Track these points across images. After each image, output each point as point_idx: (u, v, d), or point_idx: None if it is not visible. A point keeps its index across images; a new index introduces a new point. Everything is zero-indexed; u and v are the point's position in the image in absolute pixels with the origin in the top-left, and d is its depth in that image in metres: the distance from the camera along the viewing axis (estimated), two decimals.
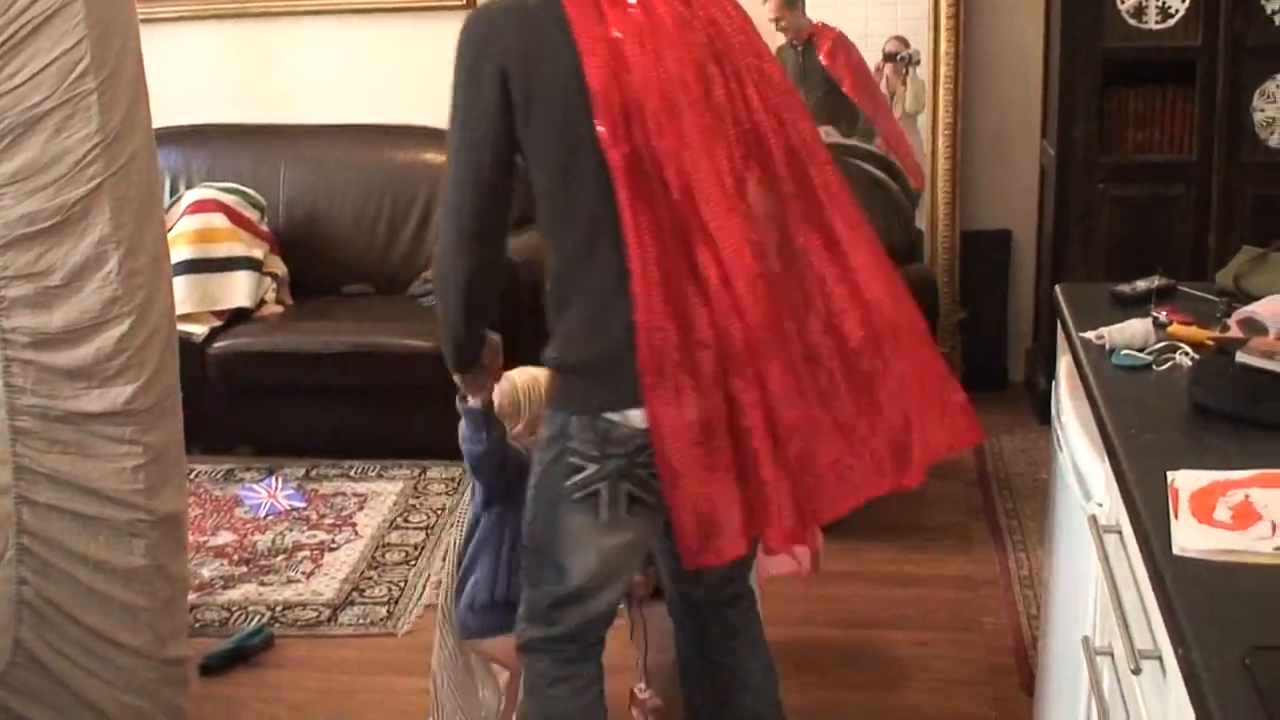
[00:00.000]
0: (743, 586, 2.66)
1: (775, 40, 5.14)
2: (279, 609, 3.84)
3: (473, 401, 2.64)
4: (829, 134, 4.95)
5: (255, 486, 4.61)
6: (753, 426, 2.16)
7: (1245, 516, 1.62)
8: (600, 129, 2.09)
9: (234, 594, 3.94)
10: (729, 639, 2.64)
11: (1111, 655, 1.89)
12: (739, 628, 2.65)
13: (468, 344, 2.42)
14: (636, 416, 2.21)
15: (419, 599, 3.84)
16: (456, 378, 2.55)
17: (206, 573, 4.07)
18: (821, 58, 5.28)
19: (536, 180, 2.21)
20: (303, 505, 4.53)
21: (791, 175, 2.24)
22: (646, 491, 2.25)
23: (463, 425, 2.70)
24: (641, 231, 2.11)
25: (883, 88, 5.36)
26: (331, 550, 4.20)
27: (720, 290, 2.13)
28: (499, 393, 2.79)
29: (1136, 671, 1.62)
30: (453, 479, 4.68)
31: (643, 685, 3.03)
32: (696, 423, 2.15)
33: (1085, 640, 2.02)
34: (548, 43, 2.12)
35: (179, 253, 4.86)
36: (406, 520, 4.41)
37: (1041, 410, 4.84)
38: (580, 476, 2.28)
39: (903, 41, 5.31)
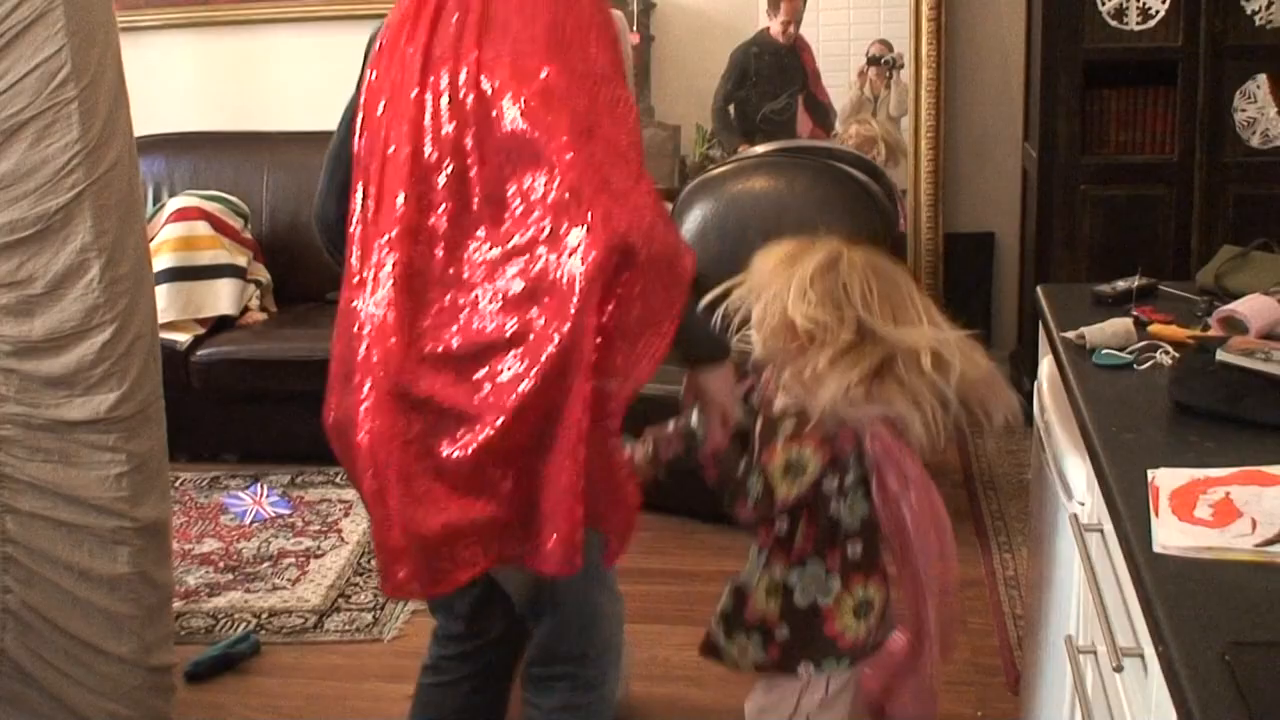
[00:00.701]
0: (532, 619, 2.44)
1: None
2: (265, 616, 3.83)
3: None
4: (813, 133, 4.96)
5: (240, 494, 4.61)
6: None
7: (1225, 514, 1.63)
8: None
9: (220, 601, 3.94)
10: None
11: (1094, 653, 1.90)
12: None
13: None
14: None
15: (405, 605, 3.83)
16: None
17: (192, 580, 4.06)
18: (805, 59, 5.32)
19: None
20: (288, 512, 4.53)
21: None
22: None
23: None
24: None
25: (866, 91, 5.37)
26: (317, 557, 4.20)
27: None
28: None
29: (1119, 669, 1.63)
30: None
31: None
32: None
33: (1068, 639, 2.03)
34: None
35: (162, 260, 4.86)
36: None
37: (1025, 412, 4.85)
38: None
39: (886, 45, 5.33)
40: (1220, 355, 2.04)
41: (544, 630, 2.40)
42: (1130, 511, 1.66)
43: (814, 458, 2.32)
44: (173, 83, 5.54)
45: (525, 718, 2.46)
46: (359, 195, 2.19)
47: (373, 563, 4.12)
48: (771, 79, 5.37)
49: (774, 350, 2.36)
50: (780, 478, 2.30)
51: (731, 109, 5.45)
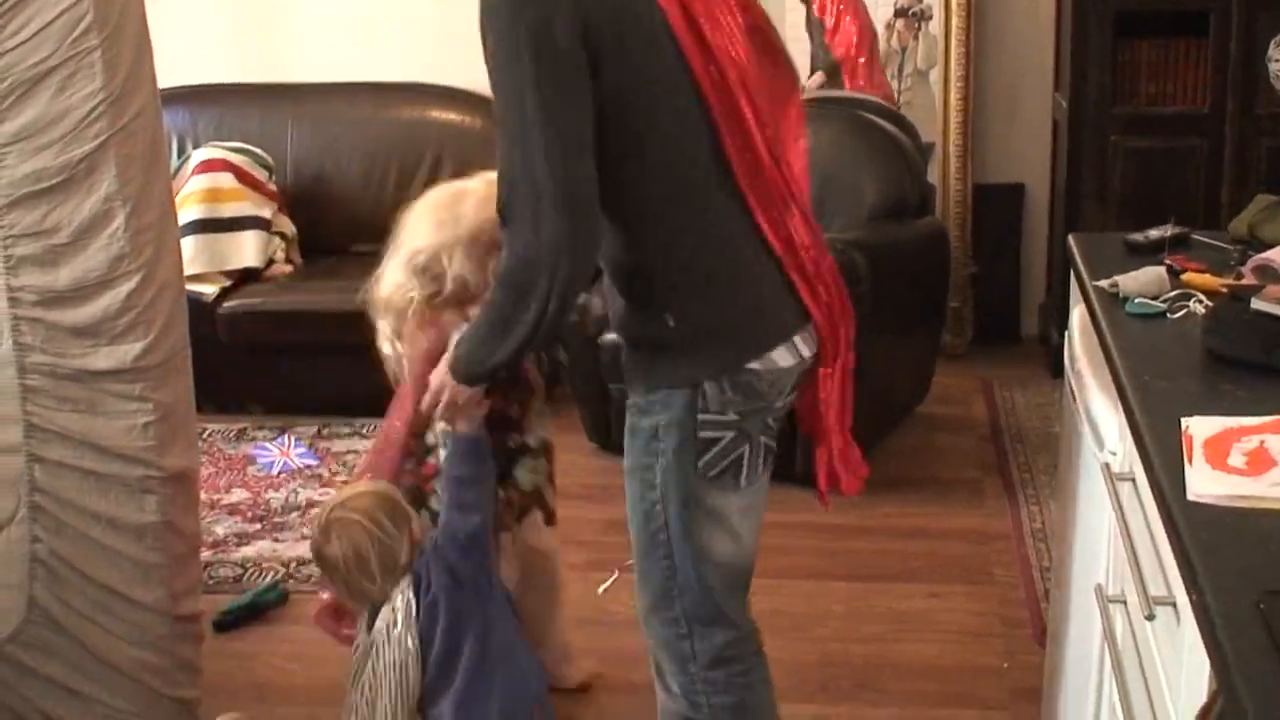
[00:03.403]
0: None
1: None
2: (293, 565, 3.85)
3: (462, 426, 2.38)
4: (822, 83, 4.94)
5: (268, 445, 4.62)
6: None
7: (1260, 462, 1.61)
8: (696, 68, 2.05)
9: (248, 550, 3.96)
10: (758, 647, 2.46)
11: (1125, 603, 1.88)
12: (757, 638, 2.46)
13: (527, 350, 2.21)
14: (780, 354, 2.19)
15: None
16: (453, 391, 2.30)
17: (220, 530, 4.08)
18: (814, 10, 5.29)
19: (619, 137, 2.05)
20: (315, 463, 4.54)
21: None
22: (775, 439, 2.26)
23: (444, 477, 2.48)
24: (746, 167, 2.11)
25: (894, 43, 5.32)
26: None
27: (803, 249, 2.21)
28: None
29: (1150, 618, 1.61)
30: None
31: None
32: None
33: (1098, 588, 2.02)
34: None
35: (187, 213, 4.86)
36: None
37: (1054, 365, 4.83)
38: (718, 448, 2.18)
39: None
40: (1254, 304, 2.02)
41: None
42: (1163, 460, 1.65)
43: None
44: (197, 34, 5.52)
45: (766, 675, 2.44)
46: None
47: None
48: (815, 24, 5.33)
49: None
50: None
51: None
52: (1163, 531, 1.57)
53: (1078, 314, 2.48)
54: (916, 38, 5.33)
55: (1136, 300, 2.21)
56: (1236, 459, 1.62)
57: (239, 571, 3.84)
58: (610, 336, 3.88)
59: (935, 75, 5.30)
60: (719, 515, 2.23)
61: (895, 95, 5.26)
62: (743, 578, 2.35)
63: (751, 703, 2.36)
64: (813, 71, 5.33)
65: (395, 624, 2.46)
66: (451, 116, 5.30)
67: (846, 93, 5.15)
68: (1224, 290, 2.20)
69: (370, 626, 2.51)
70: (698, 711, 2.34)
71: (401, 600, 2.47)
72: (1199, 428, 1.70)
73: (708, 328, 2.17)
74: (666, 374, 2.18)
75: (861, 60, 5.31)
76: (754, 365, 2.16)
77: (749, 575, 2.37)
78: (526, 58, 1.96)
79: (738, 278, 2.16)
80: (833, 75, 5.33)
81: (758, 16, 2.22)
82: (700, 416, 2.16)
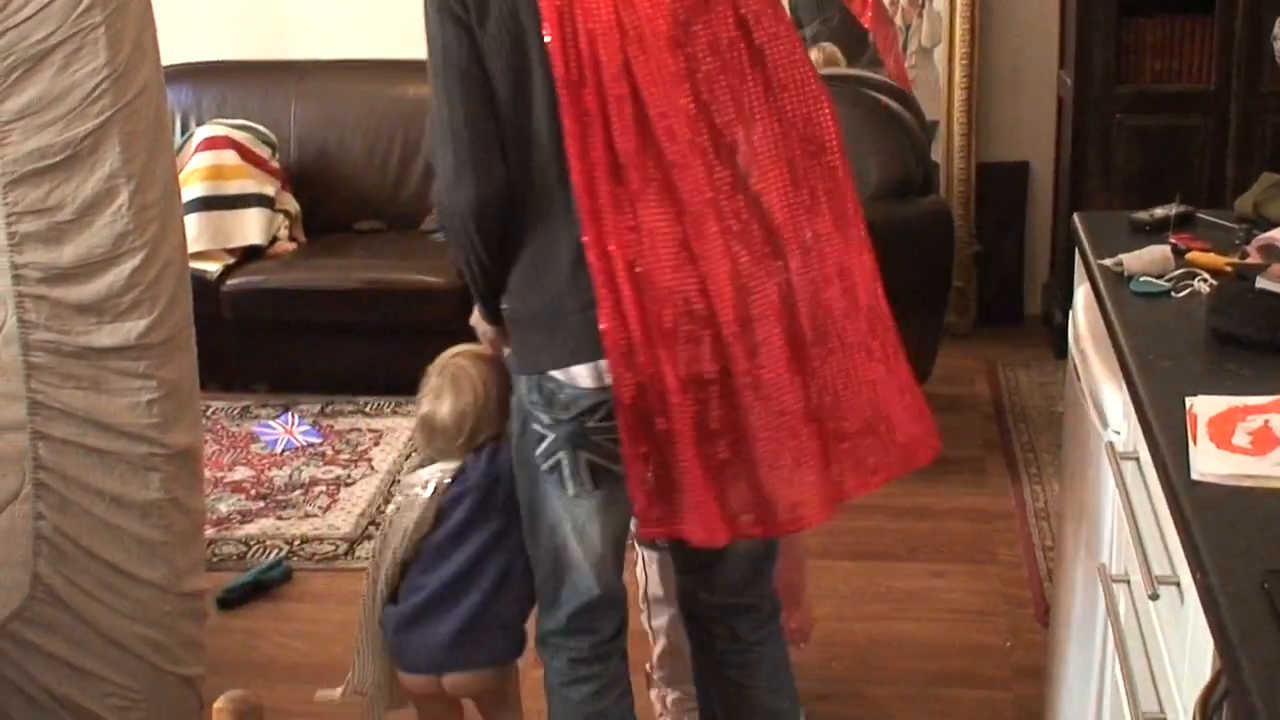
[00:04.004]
0: (757, 596, 2.44)
1: None
2: (296, 543, 3.86)
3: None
4: (829, 55, 4.90)
5: (271, 423, 4.62)
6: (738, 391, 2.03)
7: (1264, 442, 1.61)
8: (548, 38, 1.96)
9: (251, 528, 3.96)
10: (741, 653, 2.45)
11: (1128, 582, 1.89)
12: (751, 642, 2.44)
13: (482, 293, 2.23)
14: (581, 373, 2.08)
15: None
16: (479, 327, 2.36)
17: (224, 507, 4.08)
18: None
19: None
20: (318, 441, 4.54)
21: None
22: (611, 460, 2.11)
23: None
24: (589, 152, 1.96)
25: (898, 20, 5.31)
26: (348, 485, 4.21)
27: (680, 240, 1.98)
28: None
29: (1154, 597, 1.62)
30: None
31: (651, 664, 2.91)
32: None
33: (1102, 568, 2.02)
34: None
35: (191, 190, 4.86)
36: None
37: (1058, 344, 4.83)
38: (544, 446, 2.16)
39: None
40: (1259, 283, 2.01)
41: (769, 575, 2.44)
42: (1168, 439, 1.65)
43: None
44: (200, 11, 5.50)
45: (770, 669, 2.45)
46: None
47: None
48: (805, 4, 5.31)
49: None
50: None
51: None
52: (1166, 511, 1.58)
53: (1082, 293, 2.48)
54: (921, 15, 5.31)
55: (1141, 279, 2.21)
56: (1241, 438, 1.62)
57: (243, 549, 3.84)
58: None
59: (939, 53, 5.28)
60: (561, 510, 2.22)
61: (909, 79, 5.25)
62: (580, 585, 2.31)
63: (568, 696, 2.38)
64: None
65: (426, 489, 2.50)
66: None
67: (851, 70, 5.13)
68: (1229, 269, 2.20)
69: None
70: (545, 669, 2.42)
71: (440, 473, 2.50)
72: (1203, 407, 1.70)
73: (526, 321, 2.16)
74: (514, 356, 2.23)
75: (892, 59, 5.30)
76: (555, 374, 2.11)
77: (595, 593, 2.31)
78: (434, 17, 2.09)
79: (553, 279, 2.08)
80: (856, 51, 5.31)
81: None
82: (529, 408, 2.17)
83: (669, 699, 2.89)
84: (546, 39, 1.95)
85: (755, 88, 2.04)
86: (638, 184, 1.96)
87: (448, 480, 2.49)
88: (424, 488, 2.50)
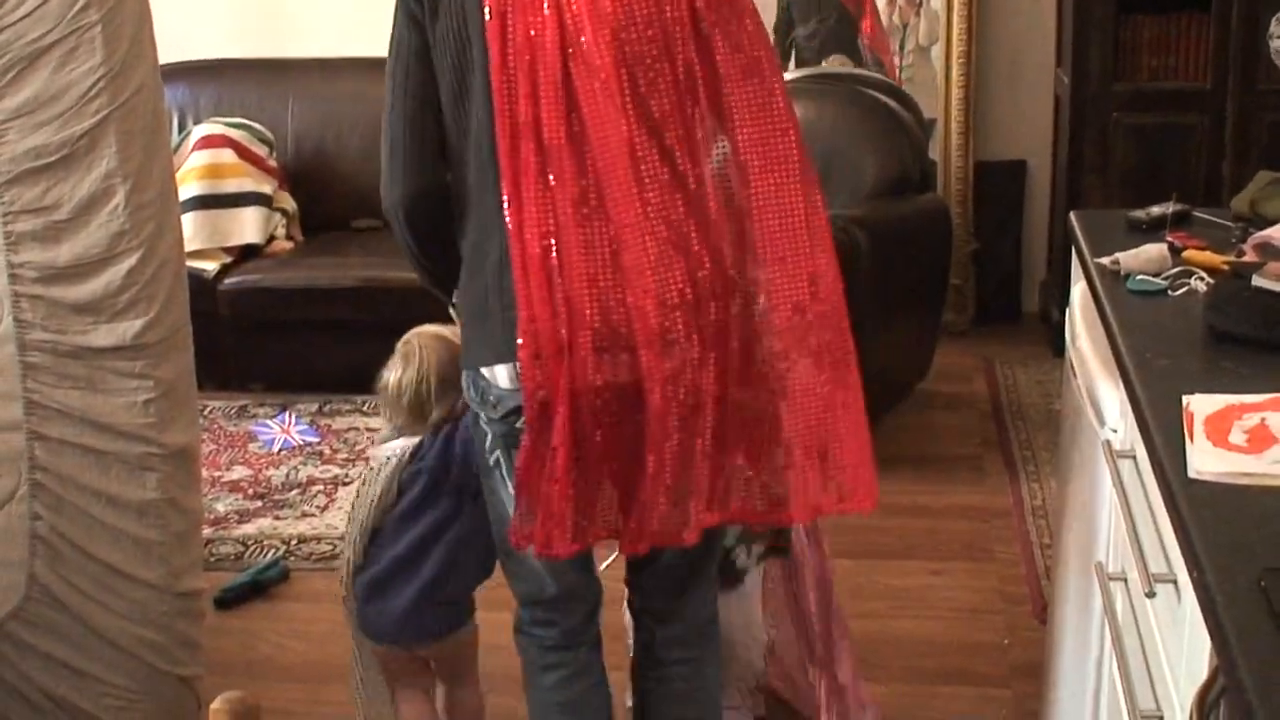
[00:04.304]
0: (680, 615, 2.40)
1: None
2: (294, 542, 3.85)
3: None
4: (843, 64, 4.91)
5: (268, 422, 4.62)
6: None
7: (1261, 440, 1.61)
8: (492, 45, 1.94)
9: (249, 528, 3.96)
10: (656, 666, 2.43)
11: (1125, 580, 1.89)
12: (668, 660, 2.41)
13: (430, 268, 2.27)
14: (500, 374, 2.08)
15: None
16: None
17: (221, 507, 4.08)
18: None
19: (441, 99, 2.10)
20: (316, 440, 4.54)
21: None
22: None
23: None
24: (518, 157, 1.93)
25: (895, 19, 5.31)
26: (345, 484, 4.21)
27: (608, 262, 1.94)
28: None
29: (1151, 595, 1.62)
30: None
31: None
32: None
33: (1099, 566, 2.02)
34: None
35: (188, 189, 4.85)
36: None
37: (1055, 342, 4.83)
38: (488, 441, 2.19)
39: None
40: (1256, 281, 2.01)
41: (699, 597, 2.39)
42: (1164, 437, 1.65)
43: None
44: (197, 9, 5.50)
45: (679, 694, 2.42)
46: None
47: None
48: (804, 3, 5.31)
49: None
50: None
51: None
52: (1163, 509, 1.57)
53: (1079, 291, 2.48)
54: (918, 13, 5.31)
55: (1138, 277, 2.21)
56: (1237, 436, 1.62)
57: (240, 549, 3.84)
58: None
59: (937, 51, 5.28)
60: (508, 506, 2.19)
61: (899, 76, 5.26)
62: (540, 579, 2.31)
63: (540, 683, 2.40)
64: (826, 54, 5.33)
65: (387, 463, 2.60)
66: None
67: (848, 69, 5.14)
68: (1225, 267, 2.20)
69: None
70: (521, 658, 2.45)
71: (402, 449, 2.59)
72: (1200, 405, 1.70)
73: (464, 316, 2.18)
74: (461, 349, 2.25)
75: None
76: (484, 372, 2.11)
77: (555, 589, 2.32)
78: (397, 12, 2.10)
79: (484, 276, 2.08)
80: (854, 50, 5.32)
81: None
82: (471, 403, 2.19)
83: None
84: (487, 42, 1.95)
85: (706, 104, 1.99)
86: (565, 192, 1.93)
87: (406, 457, 2.58)
88: (385, 462, 2.60)
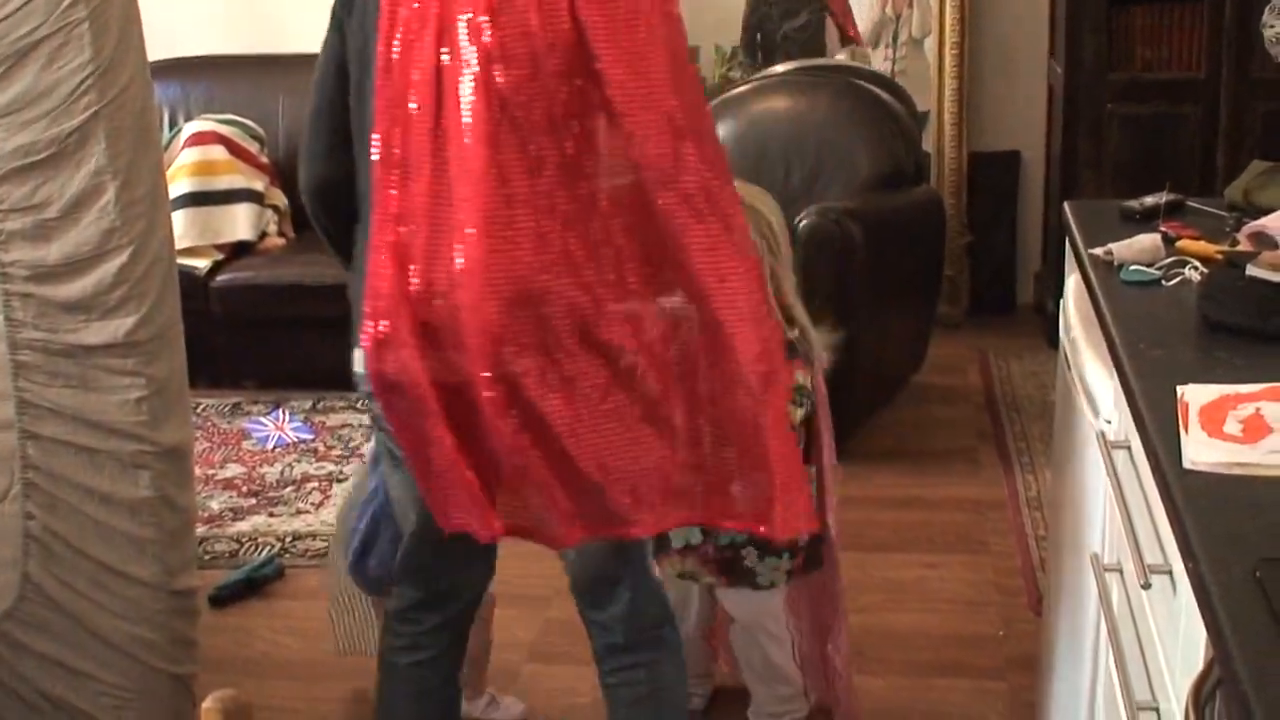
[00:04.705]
0: (603, 616, 2.35)
1: None
2: (289, 539, 3.85)
3: None
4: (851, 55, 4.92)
5: (262, 419, 4.61)
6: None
7: (1256, 430, 1.60)
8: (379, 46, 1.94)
9: (243, 525, 3.95)
10: (601, 673, 2.41)
11: (1120, 571, 1.88)
12: (604, 670, 2.39)
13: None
14: (358, 359, 2.09)
15: None
16: None
17: (215, 505, 4.07)
18: None
19: None
20: (310, 437, 4.53)
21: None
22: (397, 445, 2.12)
23: None
24: (388, 155, 1.92)
25: (888, 11, 5.31)
26: (339, 481, 4.20)
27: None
28: None
29: (1146, 586, 1.61)
30: None
31: None
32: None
33: (1094, 557, 2.02)
34: None
35: (179, 186, 4.84)
36: None
37: (1050, 333, 4.82)
38: (376, 424, 2.30)
39: None
40: (1250, 270, 2.01)
41: (624, 603, 2.32)
42: (1159, 428, 1.64)
43: (809, 384, 2.61)
44: (187, 5, 5.48)
45: (627, 699, 2.37)
46: None
47: None
48: None
49: None
50: (791, 409, 2.49)
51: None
52: (1158, 500, 1.57)
53: (1073, 282, 2.48)
54: (911, 5, 5.31)
55: (1131, 268, 2.21)
56: (1232, 426, 1.61)
57: (235, 546, 3.83)
58: None
59: (930, 43, 5.28)
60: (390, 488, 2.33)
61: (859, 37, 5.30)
62: (428, 567, 2.35)
63: (394, 674, 2.43)
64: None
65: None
66: None
67: (842, 60, 5.14)
68: (1219, 257, 2.19)
69: None
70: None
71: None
72: (1194, 395, 1.69)
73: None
74: None
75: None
76: (356, 353, 2.10)
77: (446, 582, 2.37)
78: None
79: (361, 263, 2.05)
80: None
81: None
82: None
83: None
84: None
85: (595, 118, 1.91)
86: (423, 189, 1.91)
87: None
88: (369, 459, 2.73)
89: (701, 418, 1.98)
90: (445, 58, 1.89)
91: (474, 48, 1.87)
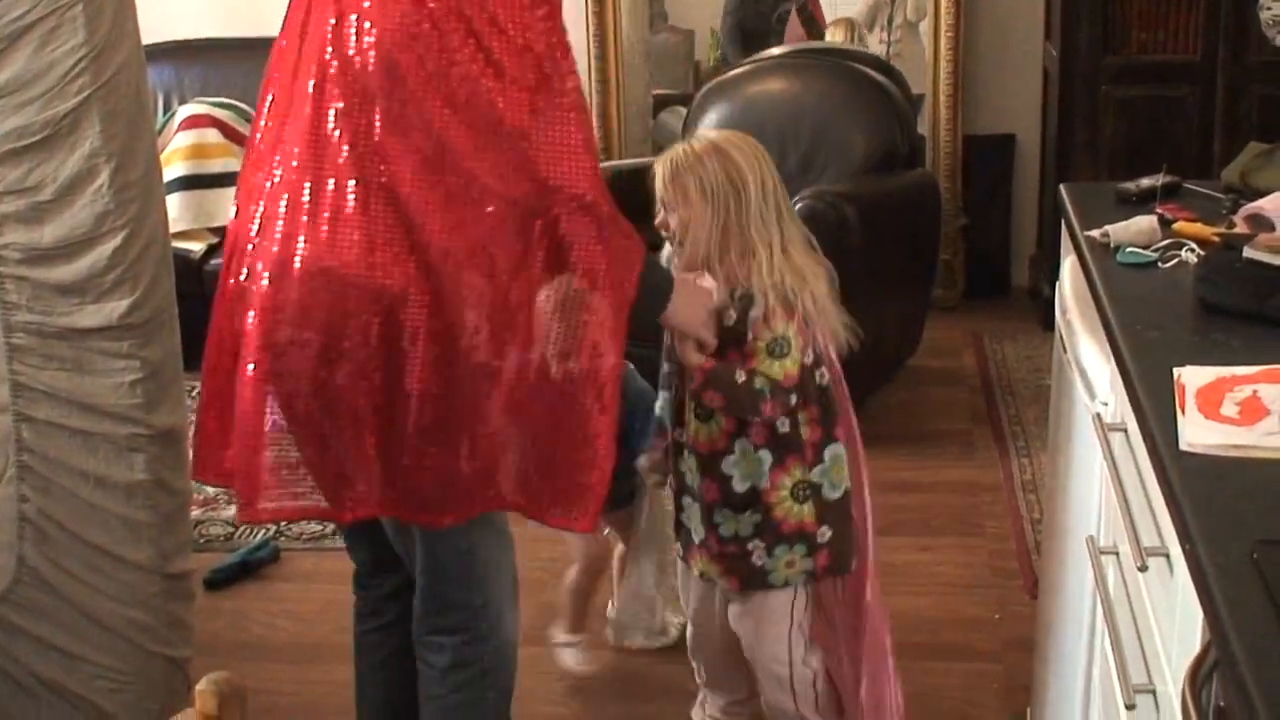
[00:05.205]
0: (420, 621, 2.34)
1: None
2: (284, 523, 3.84)
3: None
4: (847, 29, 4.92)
5: None
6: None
7: (1253, 411, 1.60)
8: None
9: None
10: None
11: (1117, 554, 1.88)
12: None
13: None
14: None
15: None
16: None
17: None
18: None
19: None
20: None
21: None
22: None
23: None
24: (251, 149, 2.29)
25: None
26: None
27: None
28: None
29: (1143, 569, 1.61)
30: None
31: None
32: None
33: (1090, 540, 2.01)
34: None
35: (173, 169, 4.83)
36: None
37: (1045, 316, 4.83)
38: None
39: None
40: (1247, 252, 2.01)
41: (426, 579, 2.29)
42: (1155, 410, 1.64)
43: (794, 335, 2.36)
44: None
45: (422, 678, 2.35)
46: None
47: None
48: None
49: (705, 252, 2.38)
50: (769, 361, 2.35)
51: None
52: (1155, 482, 1.57)
53: (1069, 264, 2.47)
54: None
55: (1128, 250, 2.20)
56: (1229, 408, 1.61)
57: (230, 529, 3.83)
58: None
59: (925, 26, 5.27)
60: None
61: None
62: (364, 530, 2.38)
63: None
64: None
65: None
66: None
67: (833, 44, 5.13)
68: (1216, 239, 2.19)
69: None
70: None
71: None
72: (1191, 377, 1.69)
73: None
74: None
75: None
76: None
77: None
78: None
79: None
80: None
81: None
82: None
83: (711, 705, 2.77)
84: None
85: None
86: (257, 154, 2.22)
87: None
88: None
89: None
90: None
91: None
